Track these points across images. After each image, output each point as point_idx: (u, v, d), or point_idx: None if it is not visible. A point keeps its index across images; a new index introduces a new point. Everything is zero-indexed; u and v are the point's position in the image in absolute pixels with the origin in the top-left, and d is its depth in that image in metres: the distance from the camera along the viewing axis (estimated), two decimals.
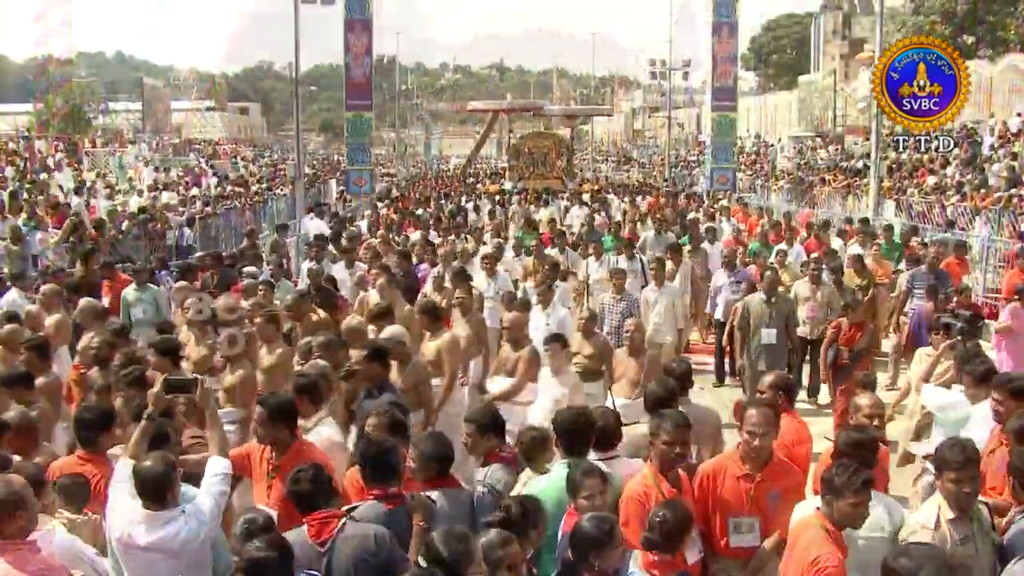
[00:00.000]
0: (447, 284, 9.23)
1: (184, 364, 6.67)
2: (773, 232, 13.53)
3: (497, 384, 7.03)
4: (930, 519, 3.81)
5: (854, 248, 12.08)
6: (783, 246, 12.01)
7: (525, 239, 12.84)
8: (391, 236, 13.48)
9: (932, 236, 14.31)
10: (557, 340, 6.68)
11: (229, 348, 6.26)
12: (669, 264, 10.71)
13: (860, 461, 3.93)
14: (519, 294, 9.60)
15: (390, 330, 6.40)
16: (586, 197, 22.26)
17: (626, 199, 22.35)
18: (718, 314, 10.43)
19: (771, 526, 4.17)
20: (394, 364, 6.09)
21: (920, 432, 6.53)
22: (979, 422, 5.11)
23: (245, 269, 10.07)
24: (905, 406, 7.05)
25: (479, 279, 9.95)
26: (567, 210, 19.45)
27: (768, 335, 8.41)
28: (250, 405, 5.89)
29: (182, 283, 8.99)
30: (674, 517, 3.62)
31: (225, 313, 7.22)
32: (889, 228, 13.20)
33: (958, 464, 3.76)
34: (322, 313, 7.87)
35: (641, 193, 25.07)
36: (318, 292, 8.95)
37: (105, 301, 9.09)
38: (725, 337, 9.75)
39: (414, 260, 11.26)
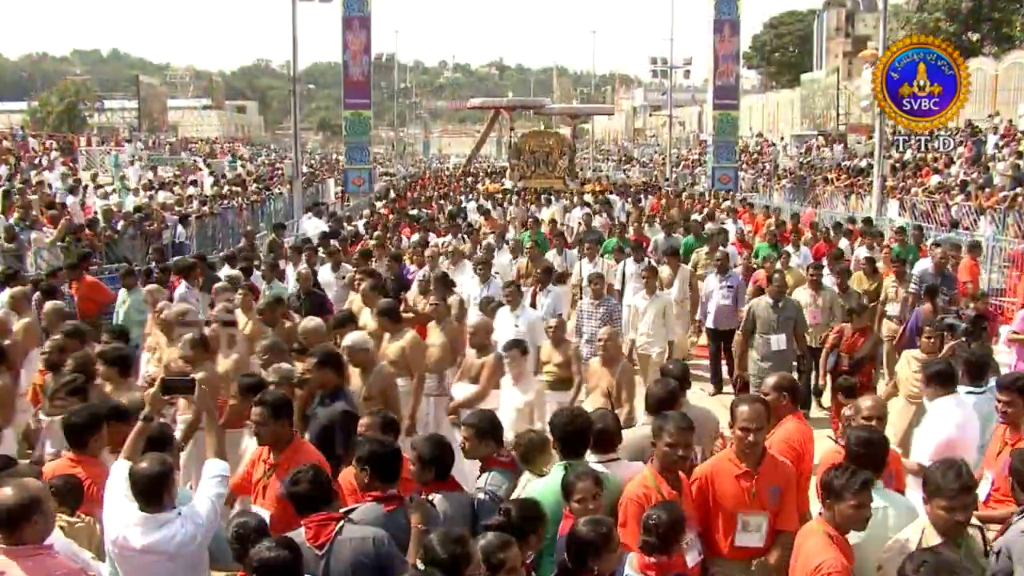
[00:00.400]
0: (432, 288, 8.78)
1: (154, 365, 6.64)
2: (779, 233, 13.32)
3: (460, 390, 6.84)
4: (912, 542, 3.60)
5: (862, 250, 11.79)
6: (788, 248, 11.83)
7: (525, 240, 12.58)
8: (387, 237, 13.28)
9: (936, 236, 14.18)
10: (516, 346, 6.41)
11: (228, 348, 6.24)
12: (667, 271, 10.44)
13: (871, 460, 3.88)
14: None
15: (352, 336, 6.20)
16: (588, 198, 22.00)
17: (629, 200, 22.09)
18: (709, 321, 10.05)
19: (774, 521, 4.13)
20: (356, 371, 5.94)
21: (908, 436, 6.46)
22: (934, 420, 5.08)
23: (225, 273, 9.88)
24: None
25: (472, 283, 9.66)
26: (566, 211, 19.27)
27: (777, 341, 8.13)
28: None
29: (154, 285, 8.93)
30: (668, 518, 3.58)
31: (180, 316, 7.12)
32: (902, 230, 12.60)
33: (952, 492, 3.49)
34: (297, 318, 7.60)
35: (645, 193, 24.92)
36: (307, 296, 8.87)
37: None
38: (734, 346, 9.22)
39: (406, 262, 11.00)
